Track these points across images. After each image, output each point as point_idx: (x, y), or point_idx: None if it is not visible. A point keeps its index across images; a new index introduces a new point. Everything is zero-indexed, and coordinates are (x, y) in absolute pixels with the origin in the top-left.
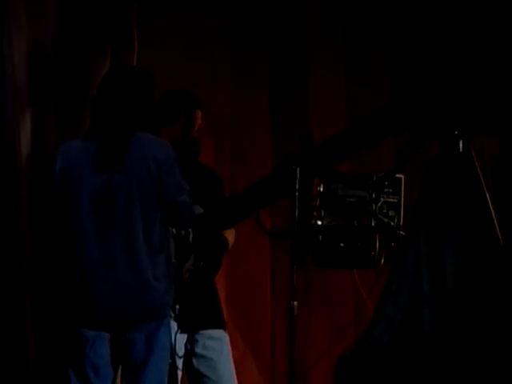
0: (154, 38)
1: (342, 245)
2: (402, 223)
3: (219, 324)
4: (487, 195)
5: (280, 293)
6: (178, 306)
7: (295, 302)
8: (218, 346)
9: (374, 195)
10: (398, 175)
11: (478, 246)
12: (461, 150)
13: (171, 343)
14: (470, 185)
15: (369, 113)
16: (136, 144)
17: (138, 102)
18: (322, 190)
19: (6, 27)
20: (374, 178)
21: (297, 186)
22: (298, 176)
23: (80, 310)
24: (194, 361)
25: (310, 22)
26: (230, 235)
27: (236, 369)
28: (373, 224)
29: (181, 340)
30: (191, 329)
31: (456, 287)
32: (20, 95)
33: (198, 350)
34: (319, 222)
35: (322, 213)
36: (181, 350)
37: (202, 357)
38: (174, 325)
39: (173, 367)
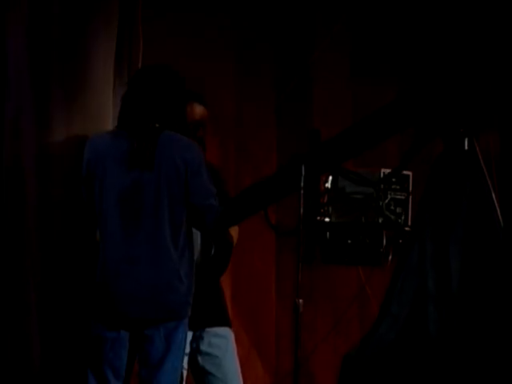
0: (157, 38)
1: (349, 242)
2: (410, 220)
3: (224, 322)
4: (493, 193)
5: (285, 291)
6: None
7: (300, 300)
8: (224, 343)
9: (381, 192)
10: (406, 172)
11: (483, 244)
12: (466, 147)
13: None
14: (475, 183)
15: (373, 112)
16: (165, 143)
17: (169, 101)
18: (329, 186)
19: (7, 27)
20: (382, 175)
21: (302, 184)
22: (303, 173)
23: (101, 307)
24: (200, 358)
25: (315, 22)
26: (233, 232)
27: (241, 366)
28: (380, 221)
29: (187, 338)
30: (197, 326)
31: (461, 286)
32: (22, 95)
33: (204, 347)
34: (327, 219)
35: (330, 210)
36: (186, 347)
37: (208, 354)
38: None
39: None
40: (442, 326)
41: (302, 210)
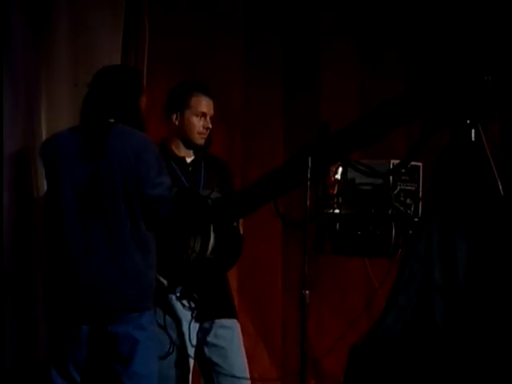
0: (164, 29)
1: (359, 233)
2: (420, 211)
3: (230, 313)
4: (500, 185)
5: (291, 282)
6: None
7: (307, 291)
8: (230, 334)
9: (390, 183)
10: (416, 163)
11: (490, 236)
12: (473, 139)
13: (183, 332)
14: (482, 175)
15: (381, 103)
16: (117, 136)
17: (122, 97)
18: (339, 178)
19: (13, 27)
20: (391, 166)
21: (308, 175)
22: (310, 165)
23: (63, 301)
24: (206, 350)
25: (323, 13)
26: (239, 224)
27: (248, 357)
28: (389, 212)
29: (194, 329)
30: (203, 318)
31: (467, 277)
32: (30, 89)
33: (210, 338)
34: (336, 211)
35: (340, 201)
36: (193, 339)
37: (214, 345)
38: (187, 314)
39: (185, 356)
40: (449, 317)
41: (308, 202)
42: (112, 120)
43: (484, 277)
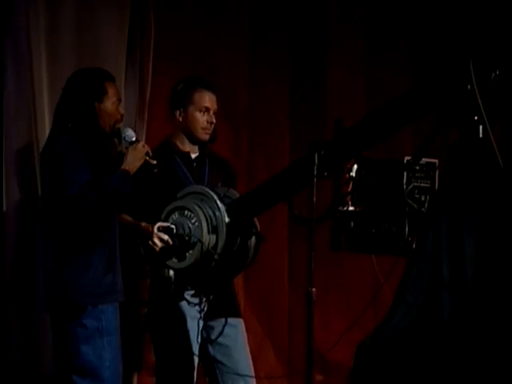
0: (170, 25)
1: (373, 230)
2: None
3: (235, 312)
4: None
5: (298, 280)
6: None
7: (313, 289)
8: (234, 332)
9: (404, 180)
10: (432, 160)
11: (498, 233)
12: (481, 135)
13: (188, 329)
14: (490, 172)
15: (388, 101)
16: (50, 144)
17: (73, 101)
18: (354, 175)
19: (20, 27)
20: (405, 163)
21: (315, 172)
22: (317, 162)
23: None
24: (210, 348)
25: (330, 8)
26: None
27: (253, 356)
28: (403, 209)
29: (199, 327)
30: (207, 316)
31: (475, 275)
32: (35, 91)
33: (214, 337)
34: (351, 208)
35: (354, 198)
36: (198, 337)
37: (218, 344)
38: (192, 311)
39: (190, 354)
40: (456, 313)
41: (314, 199)
42: (70, 125)
43: (492, 274)
